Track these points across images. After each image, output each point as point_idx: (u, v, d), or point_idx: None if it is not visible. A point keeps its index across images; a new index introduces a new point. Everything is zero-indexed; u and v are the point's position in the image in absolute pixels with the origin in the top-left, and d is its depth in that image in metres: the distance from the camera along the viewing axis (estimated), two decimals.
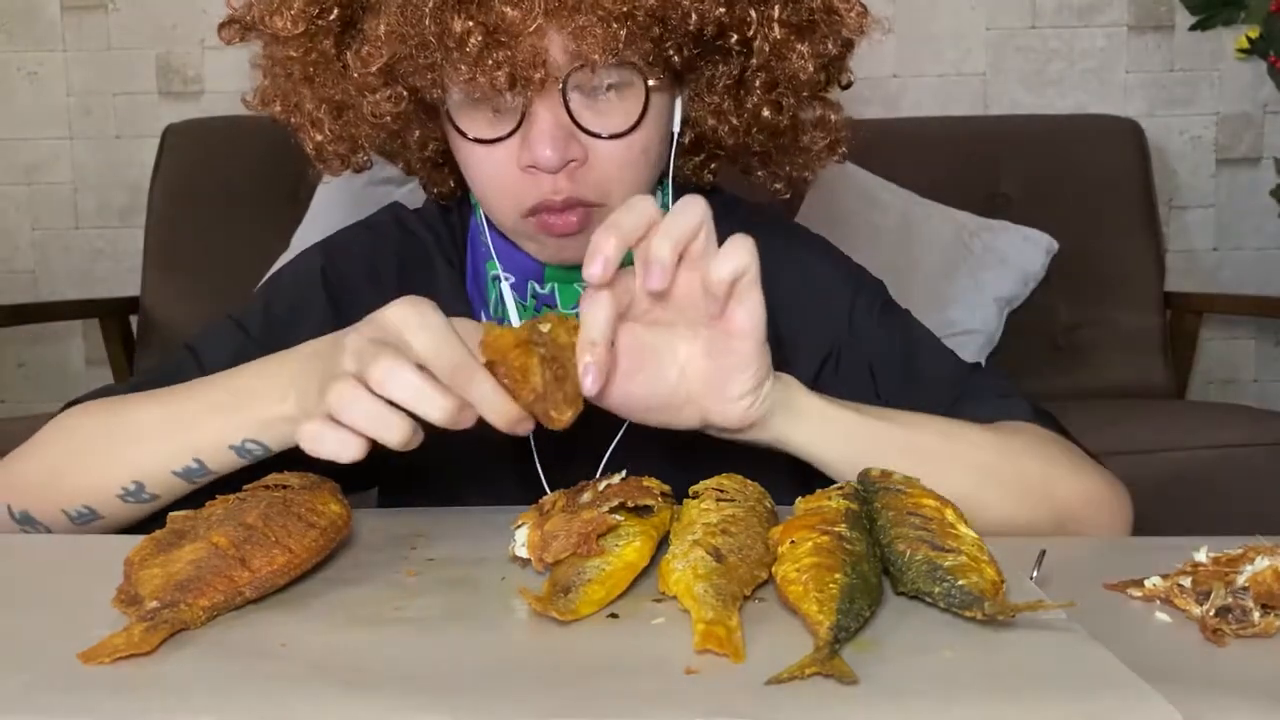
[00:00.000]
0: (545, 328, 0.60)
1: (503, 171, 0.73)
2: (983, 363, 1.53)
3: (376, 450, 0.57)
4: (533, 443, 0.83)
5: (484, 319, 0.85)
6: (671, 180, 0.82)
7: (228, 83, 2.40)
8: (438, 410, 0.55)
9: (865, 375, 0.82)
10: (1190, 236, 2.46)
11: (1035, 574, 0.57)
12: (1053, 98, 2.41)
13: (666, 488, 0.63)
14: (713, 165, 0.87)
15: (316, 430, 0.57)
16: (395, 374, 0.55)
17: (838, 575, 0.50)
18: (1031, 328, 2.11)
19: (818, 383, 0.72)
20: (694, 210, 0.58)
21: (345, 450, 0.56)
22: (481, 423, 0.57)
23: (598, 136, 0.72)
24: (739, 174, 0.88)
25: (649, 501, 0.58)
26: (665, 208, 0.82)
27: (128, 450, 0.69)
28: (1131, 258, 2.17)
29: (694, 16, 0.70)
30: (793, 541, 0.54)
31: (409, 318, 0.58)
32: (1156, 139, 2.34)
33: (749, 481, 0.65)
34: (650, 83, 0.72)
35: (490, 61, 0.67)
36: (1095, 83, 2.41)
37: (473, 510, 0.74)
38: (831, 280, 0.87)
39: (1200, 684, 0.43)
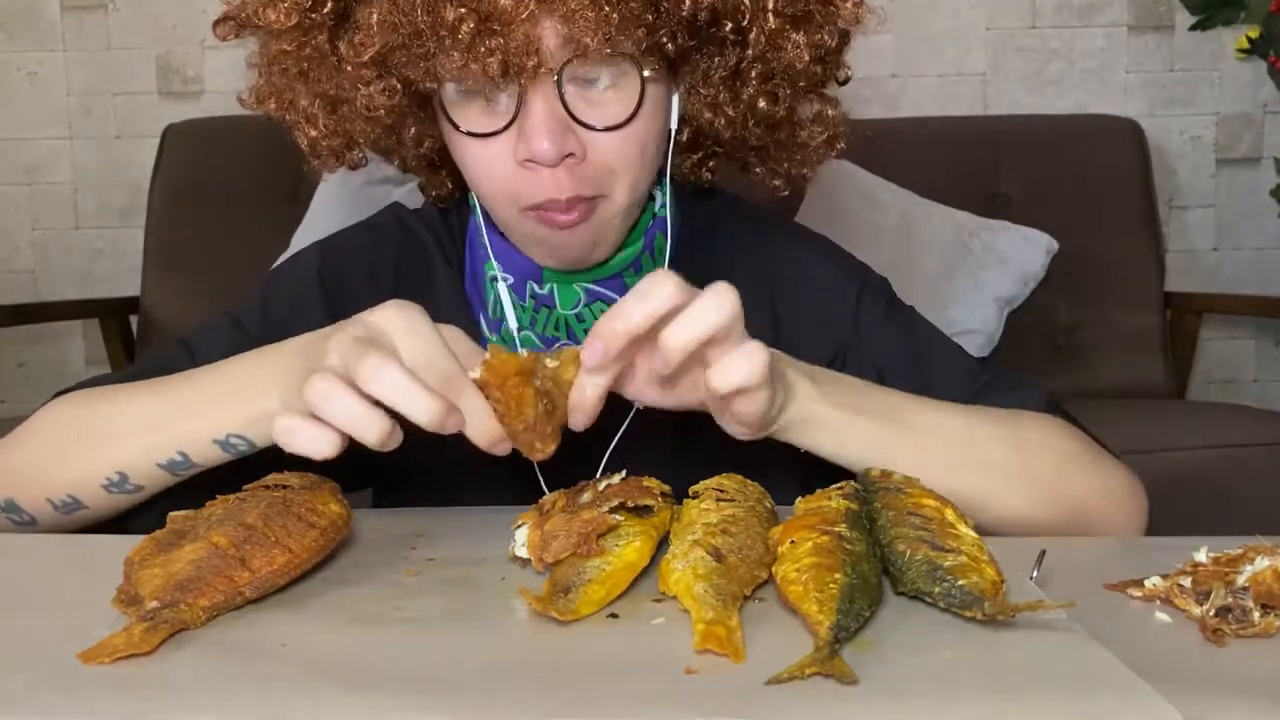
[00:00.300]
0: (552, 364, 0.60)
1: (499, 166, 0.73)
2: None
3: (356, 449, 0.57)
4: None
5: (482, 320, 0.85)
6: (669, 179, 0.82)
7: (227, 83, 2.40)
8: (425, 411, 0.55)
9: (873, 376, 0.82)
10: (1190, 236, 2.46)
11: (1035, 574, 0.57)
12: (1053, 98, 2.41)
13: (666, 488, 0.63)
14: (711, 163, 0.87)
15: (290, 424, 0.57)
16: (383, 371, 0.55)
17: (838, 575, 0.50)
18: (1031, 328, 2.11)
19: None
20: (723, 307, 0.57)
21: (317, 447, 0.56)
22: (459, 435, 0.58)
23: (594, 129, 0.72)
24: (738, 172, 0.88)
25: (649, 501, 0.58)
26: (664, 208, 0.83)
27: (112, 441, 0.69)
28: (1131, 258, 2.17)
29: (687, 2, 0.70)
30: (793, 541, 0.54)
31: (397, 322, 0.58)
32: (1156, 139, 2.34)
33: (749, 481, 0.65)
34: (645, 73, 0.72)
35: (483, 49, 0.67)
36: (1095, 83, 2.41)
37: (473, 510, 0.74)
38: (835, 281, 0.87)
39: (1200, 684, 0.43)
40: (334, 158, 0.81)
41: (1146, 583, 0.55)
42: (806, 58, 0.75)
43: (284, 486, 0.61)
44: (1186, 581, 0.53)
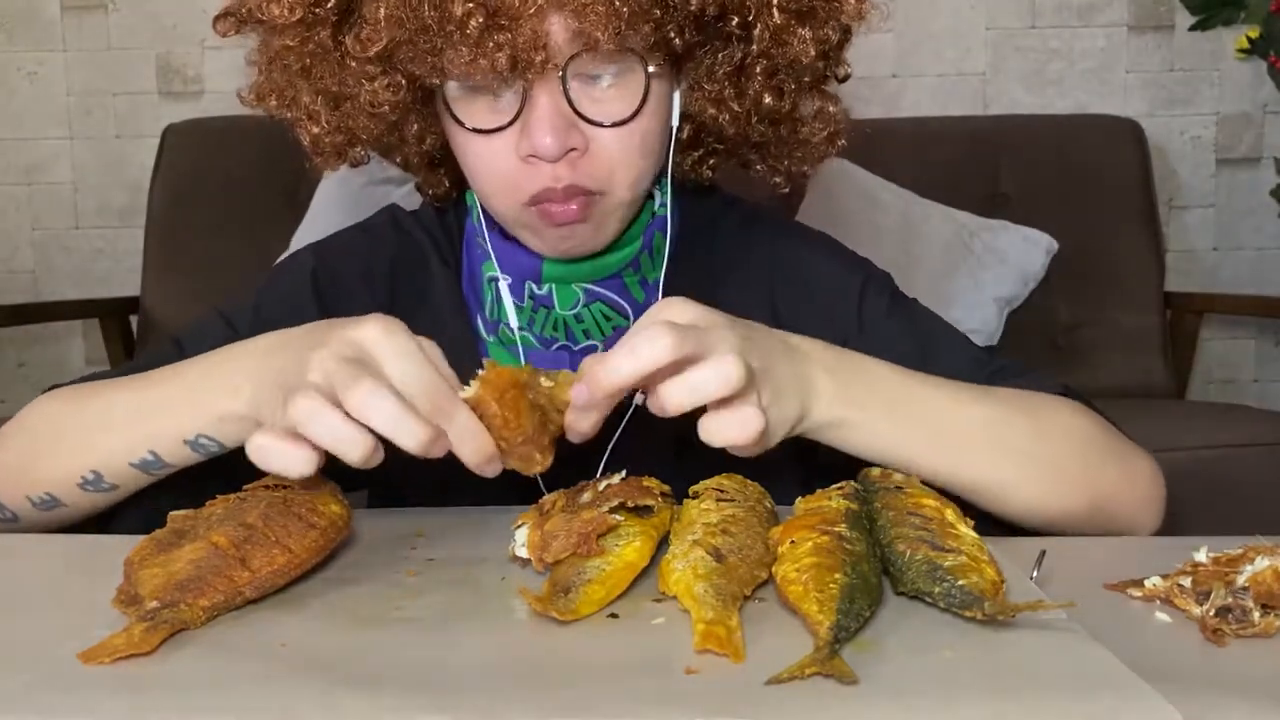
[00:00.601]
0: (548, 384, 0.60)
1: (502, 162, 0.73)
2: None
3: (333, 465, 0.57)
4: None
5: (480, 321, 0.85)
6: (670, 177, 0.82)
7: (228, 83, 2.39)
8: (414, 440, 0.55)
9: None
10: (1190, 236, 2.46)
11: (1035, 574, 0.57)
12: (1053, 98, 2.41)
13: (666, 488, 0.63)
14: (711, 161, 0.86)
15: (265, 444, 0.55)
16: (376, 400, 0.54)
17: (838, 575, 0.50)
18: (1031, 328, 2.11)
19: None
20: (728, 378, 0.56)
21: (294, 466, 0.55)
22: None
23: (599, 125, 0.72)
24: (738, 170, 0.88)
25: (649, 501, 0.59)
26: (664, 206, 0.82)
27: (88, 439, 0.69)
28: (1131, 258, 2.17)
29: None
30: (793, 541, 0.54)
31: (381, 341, 0.58)
32: (1156, 139, 2.34)
33: (749, 481, 0.65)
34: (650, 69, 0.72)
35: (490, 44, 0.66)
36: (1095, 83, 2.41)
37: (473, 510, 0.74)
38: (837, 277, 0.87)
39: (1200, 684, 0.44)
40: (336, 155, 0.81)
41: (1146, 583, 0.55)
42: (811, 53, 0.75)
43: (284, 486, 0.61)
44: (1186, 581, 0.53)
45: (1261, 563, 0.52)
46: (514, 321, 0.82)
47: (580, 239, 0.76)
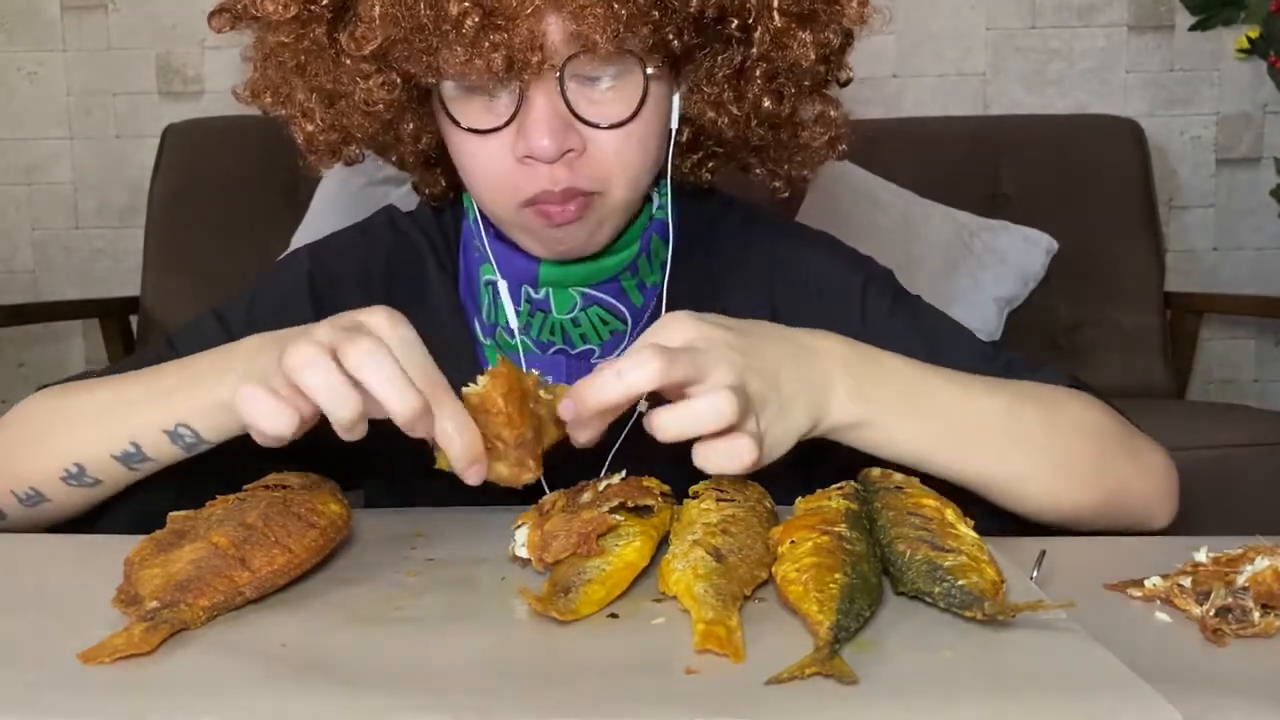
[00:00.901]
0: (546, 396, 0.61)
1: (498, 163, 0.73)
2: None
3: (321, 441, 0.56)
4: None
5: (477, 324, 0.85)
6: (669, 179, 0.82)
7: (227, 83, 2.39)
8: (404, 405, 0.55)
9: None
10: (1190, 236, 2.46)
11: (1035, 574, 0.57)
12: (1053, 98, 2.41)
13: (666, 488, 0.63)
14: (710, 164, 0.86)
15: (252, 392, 0.55)
16: (374, 360, 0.55)
17: (838, 575, 0.50)
18: (1031, 328, 2.11)
19: None
20: (721, 413, 0.56)
21: (277, 421, 0.55)
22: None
23: (596, 126, 0.71)
24: (738, 173, 0.88)
25: (649, 501, 0.59)
26: (663, 209, 0.82)
27: (71, 432, 0.69)
28: (1131, 258, 2.17)
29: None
30: (793, 541, 0.54)
31: (384, 327, 0.58)
32: (1156, 139, 2.34)
33: (749, 481, 0.65)
34: (649, 71, 0.72)
35: (486, 44, 0.66)
36: (1095, 83, 2.41)
37: (473, 510, 0.73)
38: (838, 276, 0.86)
39: (1200, 684, 0.44)
40: (330, 153, 0.80)
41: (1146, 583, 0.55)
42: (812, 56, 0.74)
43: (284, 486, 0.61)
44: (1186, 581, 0.53)
45: (1261, 563, 0.52)
46: (514, 324, 0.81)
47: (575, 240, 0.76)
